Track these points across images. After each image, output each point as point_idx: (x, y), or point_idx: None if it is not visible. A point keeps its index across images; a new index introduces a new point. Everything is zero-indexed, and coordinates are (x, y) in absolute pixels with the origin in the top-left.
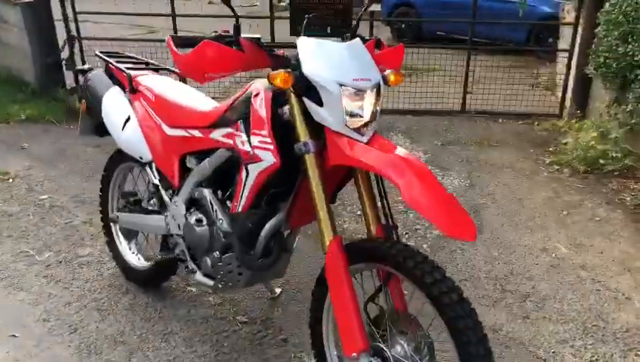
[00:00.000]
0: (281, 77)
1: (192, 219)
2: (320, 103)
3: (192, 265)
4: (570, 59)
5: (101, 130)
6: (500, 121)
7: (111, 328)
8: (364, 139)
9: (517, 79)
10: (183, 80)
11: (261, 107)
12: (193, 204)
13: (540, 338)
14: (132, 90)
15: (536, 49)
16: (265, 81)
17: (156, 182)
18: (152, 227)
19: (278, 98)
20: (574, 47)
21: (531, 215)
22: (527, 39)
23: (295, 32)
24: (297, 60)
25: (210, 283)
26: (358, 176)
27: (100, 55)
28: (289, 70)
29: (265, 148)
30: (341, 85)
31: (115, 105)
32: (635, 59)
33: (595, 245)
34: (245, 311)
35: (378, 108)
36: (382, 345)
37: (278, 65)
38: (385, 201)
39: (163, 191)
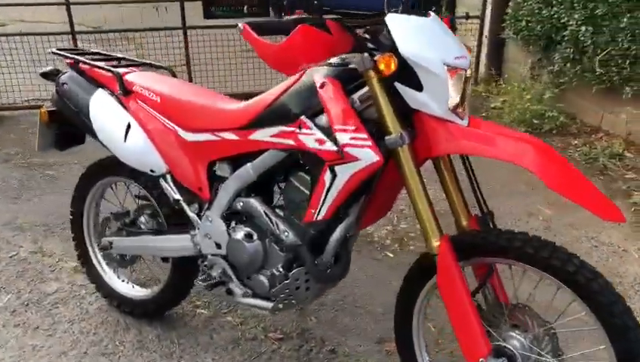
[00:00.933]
0: (385, 61)
1: (239, 235)
2: (419, 87)
3: (239, 288)
4: (482, 26)
5: (63, 141)
6: None
7: None
8: (465, 122)
9: None
10: (173, 75)
11: (338, 99)
12: (232, 217)
13: None
14: (124, 91)
15: None
16: (321, 67)
17: (177, 196)
18: (170, 250)
19: (344, 86)
20: (485, 14)
21: (500, 182)
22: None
23: (209, 14)
24: (390, 40)
25: (269, 305)
26: (440, 166)
27: (62, 53)
28: (391, 53)
29: (361, 146)
30: (446, 65)
31: (107, 112)
32: (562, 21)
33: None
34: (275, 326)
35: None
36: (502, 343)
37: (364, 48)
38: (477, 188)
39: (185, 207)
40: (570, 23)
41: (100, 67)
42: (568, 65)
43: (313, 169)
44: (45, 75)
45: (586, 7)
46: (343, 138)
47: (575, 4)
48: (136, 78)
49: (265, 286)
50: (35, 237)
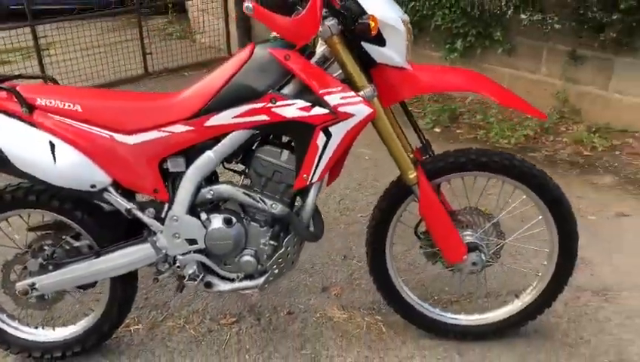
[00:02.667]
0: (374, 22)
1: (218, 223)
2: (382, 43)
3: (221, 277)
4: (226, 3)
5: None
6: (186, 74)
7: None
8: (411, 68)
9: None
10: (56, 83)
11: (310, 67)
12: (199, 208)
13: None
14: (29, 108)
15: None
16: (271, 42)
17: (128, 205)
18: (125, 266)
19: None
20: None
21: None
22: None
23: None
24: (358, 5)
25: (257, 282)
26: (379, 123)
27: None
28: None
29: (353, 103)
30: (402, 20)
31: (18, 136)
32: None
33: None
34: (221, 313)
35: None
36: (474, 239)
37: (337, 15)
38: (416, 125)
39: (140, 214)
40: None
41: None
42: None
43: (298, 136)
44: None
45: None
46: (332, 99)
47: None
48: (32, 91)
49: (253, 264)
50: None
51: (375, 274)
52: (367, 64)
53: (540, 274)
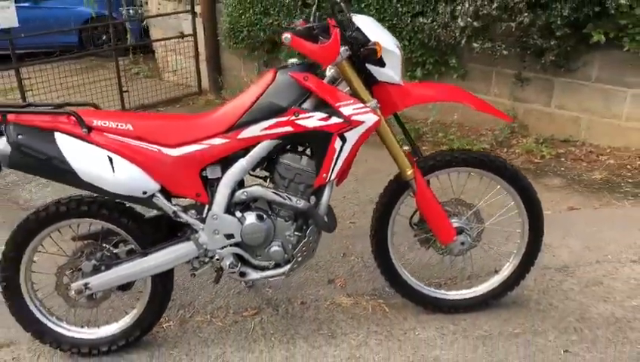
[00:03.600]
0: (378, 48)
1: (251, 219)
2: (382, 65)
3: (254, 266)
4: (196, 43)
5: None
6: (161, 109)
7: None
8: (403, 85)
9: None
10: (98, 109)
11: (324, 85)
12: (233, 208)
13: None
14: (88, 129)
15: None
16: (290, 67)
17: (174, 208)
18: (169, 262)
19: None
20: (196, 33)
21: None
22: (80, 41)
23: None
24: (362, 35)
25: (284, 269)
26: (382, 130)
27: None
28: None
29: (363, 112)
30: (396, 46)
31: (84, 151)
32: (282, 26)
33: None
34: (242, 307)
35: None
36: (460, 224)
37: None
38: (408, 133)
39: (184, 215)
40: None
41: (46, 113)
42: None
43: (318, 143)
44: None
45: (304, 11)
46: (347, 110)
47: (292, 11)
48: (88, 115)
49: (281, 253)
50: None
51: (379, 260)
52: (369, 82)
53: (514, 251)
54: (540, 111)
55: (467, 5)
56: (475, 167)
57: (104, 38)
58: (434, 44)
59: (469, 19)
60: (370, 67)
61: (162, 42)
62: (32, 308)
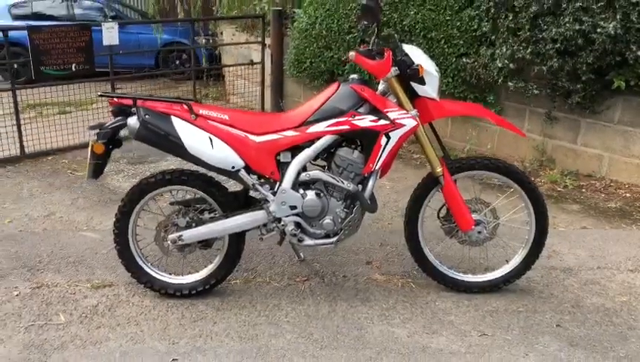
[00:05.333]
0: (421, 70)
1: (311, 196)
2: (423, 83)
3: (310, 234)
4: (263, 70)
5: (100, 171)
6: None
7: None
8: (439, 100)
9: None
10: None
11: (377, 96)
12: (299, 186)
13: None
14: (196, 116)
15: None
16: (351, 80)
17: (254, 181)
18: (245, 224)
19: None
20: (264, 61)
21: None
22: (156, 64)
23: (39, 75)
24: (410, 59)
25: (333, 240)
26: (420, 134)
27: (115, 95)
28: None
29: (405, 117)
30: (436, 70)
31: (192, 132)
32: (341, 59)
33: None
34: (295, 274)
35: None
36: (478, 217)
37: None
38: (439, 139)
39: (260, 188)
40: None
41: (167, 101)
42: None
43: (368, 139)
44: (93, 128)
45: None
46: (392, 115)
47: (352, 46)
48: (196, 106)
49: (331, 225)
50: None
51: (410, 242)
52: (411, 96)
53: (523, 245)
54: (566, 148)
55: (505, 49)
56: (493, 171)
57: (177, 62)
58: (474, 82)
59: (505, 61)
60: (414, 84)
61: (231, 68)
62: (134, 253)
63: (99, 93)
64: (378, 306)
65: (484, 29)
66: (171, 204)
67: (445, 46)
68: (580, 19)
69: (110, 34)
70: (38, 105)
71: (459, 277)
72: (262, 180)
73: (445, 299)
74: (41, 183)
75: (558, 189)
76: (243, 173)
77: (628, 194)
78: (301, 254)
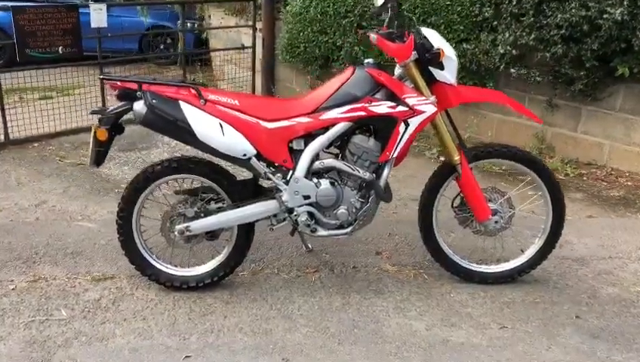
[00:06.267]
0: (442, 54)
1: (326, 185)
2: (441, 68)
3: (324, 224)
4: (254, 54)
5: (102, 158)
6: None
7: None
8: (456, 86)
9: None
10: (205, 87)
11: (395, 81)
12: (312, 175)
13: None
14: (205, 101)
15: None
16: (366, 65)
17: (266, 170)
18: (256, 214)
19: None
20: (256, 46)
21: None
22: (139, 48)
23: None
24: (429, 43)
25: (347, 230)
26: (437, 121)
27: (118, 78)
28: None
29: (425, 104)
30: (454, 54)
31: (201, 118)
32: (337, 44)
33: None
34: (305, 265)
35: None
36: (495, 207)
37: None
38: (455, 127)
39: (272, 177)
40: (345, 45)
41: (174, 85)
42: None
43: (385, 126)
44: (96, 112)
45: (357, 32)
46: (411, 101)
47: (348, 31)
48: (205, 90)
49: (346, 215)
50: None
51: (424, 234)
52: (428, 82)
53: (539, 234)
54: (567, 136)
55: (507, 35)
56: (509, 159)
57: (162, 47)
58: (474, 68)
59: (508, 47)
60: (432, 69)
61: (220, 53)
62: (138, 245)
63: (100, 76)
64: (392, 298)
65: (485, 14)
66: (176, 193)
67: (445, 31)
68: (587, 5)
69: (99, 16)
70: (19, 90)
71: (473, 268)
72: (273, 168)
73: (460, 291)
74: (29, 171)
75: (560, 177)
76: (254, 161)
77: (629, 183)
78: (309, 244)
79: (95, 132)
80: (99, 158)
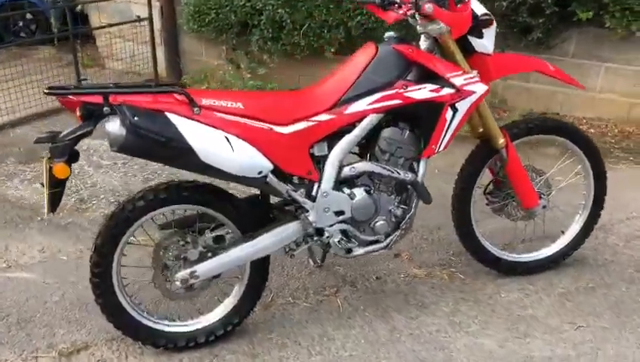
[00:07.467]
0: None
1: (361, 194)
2: (480, 37)
3: (359, 242)
4: (152, 24)
5: (59, 201)
6: None
7: None
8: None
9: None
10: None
11: (431, 56)
12: (342, 184)
13: None
14: (199, 108)
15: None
16: (391, 40)
17: (287, 187)
18: (277, 243)
19: None
20: (152, 15)
21: None
22: None
23: None
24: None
25: (383, 244)
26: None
27: (69, 92)
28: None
29: (474, 82)
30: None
31: (201, 132)
32: (257, 7)
33: None
34: (321, 287)
35: None
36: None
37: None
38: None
39: (295, 195)
40: (267, 8)
41: (151, 92)
42: (269, 43)
43: (427, 114)
44: (42, 140)
45: None
46: (458, 81)
47: None
48: (195, 94)
49: (385, 227)
50: None
51: (460, 229)
52: (464, 54)
53: (580, 211)
54: (519, 87)
55: None
56: (550, 133)
57: (20, 24)
58: None
59: None
60: (471, 38)
61: (106, 29)
62: (124, 304)
63: (45, 91)
64: (440, 311)
65: None
66: (162, 227)
67: None
68: None
69: None
70: None
71: (514, 259)
72: (292, 184)
73: (508, 289)
74: None
75: None
76: (272, 179)
77: (592, 130)
78: (317, 258)
79: (50, 169)
80: (55, 202)
